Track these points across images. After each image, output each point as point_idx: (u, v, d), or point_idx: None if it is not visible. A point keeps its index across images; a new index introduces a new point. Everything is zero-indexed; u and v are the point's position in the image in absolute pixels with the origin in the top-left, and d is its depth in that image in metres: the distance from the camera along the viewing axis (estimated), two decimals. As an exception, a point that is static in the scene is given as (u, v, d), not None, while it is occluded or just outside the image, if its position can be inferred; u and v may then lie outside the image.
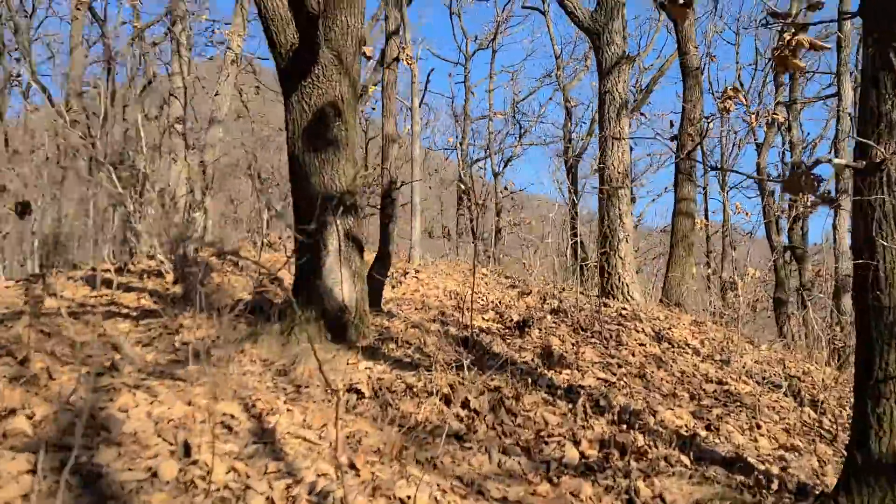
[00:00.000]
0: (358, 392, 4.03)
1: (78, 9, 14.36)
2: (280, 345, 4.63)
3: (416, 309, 6.26)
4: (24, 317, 5.33)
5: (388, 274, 7.02)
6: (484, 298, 6.97)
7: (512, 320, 6.03)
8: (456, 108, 22.48)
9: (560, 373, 4.88)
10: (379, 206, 5.83)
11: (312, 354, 4.42)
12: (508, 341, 5.48)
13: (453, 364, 4.40)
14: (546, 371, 4.86)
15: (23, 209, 8.03)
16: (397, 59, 5.82)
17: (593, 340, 5.89)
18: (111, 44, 16.41)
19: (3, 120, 15.52)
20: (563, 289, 8.03)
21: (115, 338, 4.04)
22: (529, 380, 4.43)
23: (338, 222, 4.66)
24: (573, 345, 5.62)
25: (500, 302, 6.82)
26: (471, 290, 5.18)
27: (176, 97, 9.89)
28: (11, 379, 3.30)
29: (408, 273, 7.68)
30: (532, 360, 5.06)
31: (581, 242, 13.36)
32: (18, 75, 15.88)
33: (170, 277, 6.96)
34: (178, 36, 10.30)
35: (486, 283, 8.09)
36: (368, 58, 5.44)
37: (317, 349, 4.50)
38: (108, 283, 6.96)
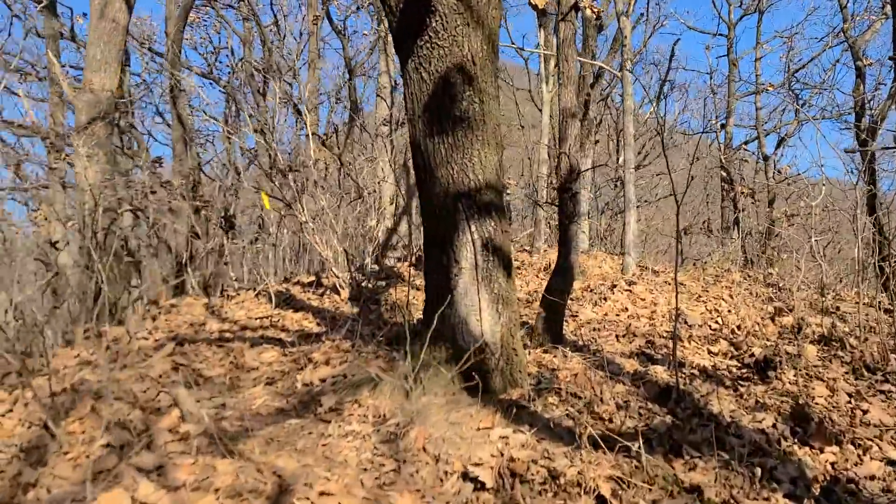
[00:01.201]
0: (476, 481, 2.73)
1: (314, 24, 14.84)
2: (403, 393, 3.50)
3: (616, 337, 4.73)
4: (168, 345, 4.90)
5: (586, 289, 5.59)
6: (719, 320, 5.17)
7: (752, 356, 4.24)
8: (715, 84, 19.71)
9: (820, 452, 3.09)
10: (556, 203, 4.43)
11: (432, 414, 3.23)
12: (741, 391, 3.74)
13: (639, 432, 2.91)
14: (795, 448, 3.10)
15: (228, 224, 7.98)
16: (576, 8, 4.38)
17: (888, 390, 3.88)
18: (350, 56, 16.85)
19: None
20: (842, 299, 5.83)
21: (174, 389, 3.21)
22: (759, 470, 2.75)
23: (472, 228, 3.40)
24: (850, 399, 3.70)
25: (740, 326, 4.98)
26: (674, 310, 3.57)
27: (382, 97, 9.36)
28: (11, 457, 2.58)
29: (616, 286, 6.11)
30: (774, 425, 3.30)
31: (884, 235, 10.40)
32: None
33: (345, 294, 6.25)
34: (384, 34, 9.79)
35: (730, 296, 6.19)
36: (535, 6, 4.08)
37: (442, 405, 3.30)
38: (289, 300, 6.47)
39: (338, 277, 6.14)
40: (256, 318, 5.72)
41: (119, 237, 6.61)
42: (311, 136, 13.93)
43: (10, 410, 3.00)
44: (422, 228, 3.78)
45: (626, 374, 3.86)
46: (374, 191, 8.85)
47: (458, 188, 3.42)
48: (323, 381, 3.95)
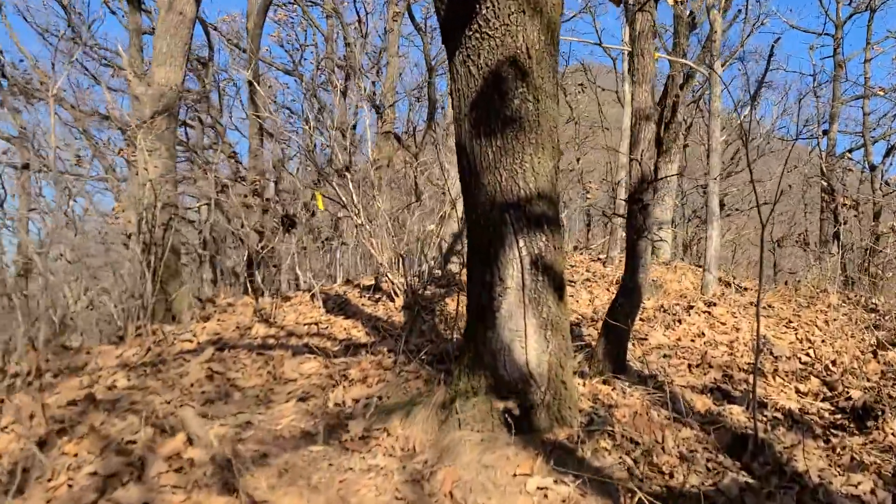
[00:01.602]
0: (503, 543, 2.34)
1: (394, 20, 14.66)
2: (438, 423, 3.15)
3: (689, 367, 4.21)
4: (207, 350, 4.71)
5: (659, 308, 5.08)
6: (811, 352, 4.55)
7: (849, 399, 3.65)
8: (818, 87, 18.37)
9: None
10: (624, 215, 3.97)
11: (465, 453, 2.85)
12: (833, 444, 3.18)
13: (704, 494, 2.45)
14: (899, 525, 2.55)
15: (290, 224, 7.83)
16: (655, -3, 3.91)
17: None
18: (430, 54, 16.59)
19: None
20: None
21: (181, 411, 2.96)
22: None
23: (520, 244, 3.00)
24: (971, 461, 3.09)
25: (836, 361, 4.35)
26: (756, 339, 3.06)
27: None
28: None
29: (693, 307, 5.52)
30: (872, 491, 2.76)
31: None
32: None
33: (399, 301, 5.94)
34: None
35: (826, 323, 5.52)
36: (611, -1, 3.65)
37: (477, 442, 2.91)
38: (342, 306, 6.22)
39: (392, 283, 5.83)
40: (305, 324, 5.48)
41: (179, 233, 6.53)
42: (383, 134, 13.77)
43: (13, 424, 2.82)
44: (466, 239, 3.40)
45: (696, 414, 3.36)
46: (444, 192, 8.52)
47: (505, 197, 3.03)
48: (356, 401, 3.64)
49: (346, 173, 5.69)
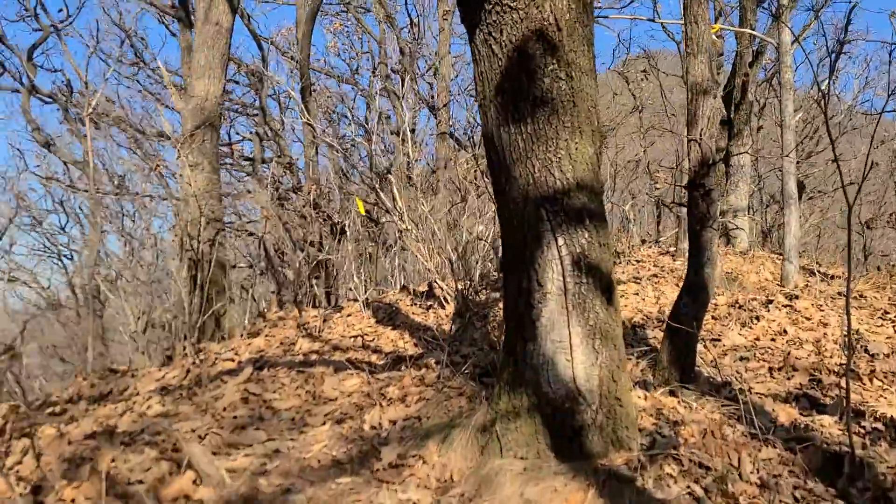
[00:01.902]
0: None
1: (445, 19, 14.37)
2: (478, 448, 2.80)
3: (770, 371, 3.72)
4: (246, 369, 4.50)
5: (733, 304, 4.60)
6: (916, 349, 3.97)
7: (966, 405, 3.09)
8: (904, 55, 17.05)
9: None
10: (686, 202, 3.53)
11: (506, 484, 2.50)
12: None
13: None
14: None
15: (339, 231, 7.64)
16: (707, -45, 3.45)
17: None
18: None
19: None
20: None
21: (189, 446, 2.71)
22: None
23: (559, 242, 2.63)
24: None
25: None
26: (847, 334, 2.59)
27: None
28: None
29: (773, 300, 4.96)
30: None
31: None
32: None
33: (450, 308, 5.61)
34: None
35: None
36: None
37: (519, 471, 2.56)
38: (392, 315, 5.94)
39: (442, 289, 5.52)
40: (351, 337, 5.23)
41: (224, 248, 6.41)
42: (439, 136, 13.48)
43: (20, 463, 2.64)
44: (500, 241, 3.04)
45: (779, 429, 2.90)
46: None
47: (540, 190, 2.66)
48: (393, 422, 3.34)
49: (389, 176, 5.41)
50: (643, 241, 10.71)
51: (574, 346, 2.62)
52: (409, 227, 5.46)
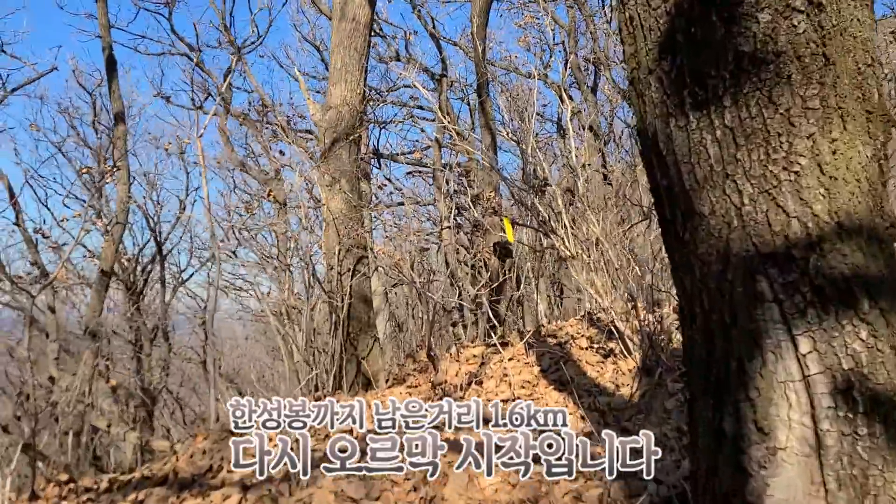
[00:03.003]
0: None
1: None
2: None
3: None
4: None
5: None
6: None
7: None
8: None
9: None
10: None
11: None
12: None
13: None
14: None
15: (504, 253, 6.51)
16: None
17: None
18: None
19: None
20: None
21: None
22: None
23: (802, 348, 1.26)
24: None
25: None
26: None
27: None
28: None
29: None
30: None
31: None
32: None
33: (633, 361, 4.22)
34: None
35: None
36: None
37: None
38: (558, 363, 4.69)
39: (622, 335, 4.17)
40: (502, 400, 4.06)
41: (367, 278, 5.55)
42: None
43: None
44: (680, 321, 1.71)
45: None
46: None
47: (755, 240, 1.32)
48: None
49: (546, 188, 4.18)
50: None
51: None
52: (574, 254, 4.17)
